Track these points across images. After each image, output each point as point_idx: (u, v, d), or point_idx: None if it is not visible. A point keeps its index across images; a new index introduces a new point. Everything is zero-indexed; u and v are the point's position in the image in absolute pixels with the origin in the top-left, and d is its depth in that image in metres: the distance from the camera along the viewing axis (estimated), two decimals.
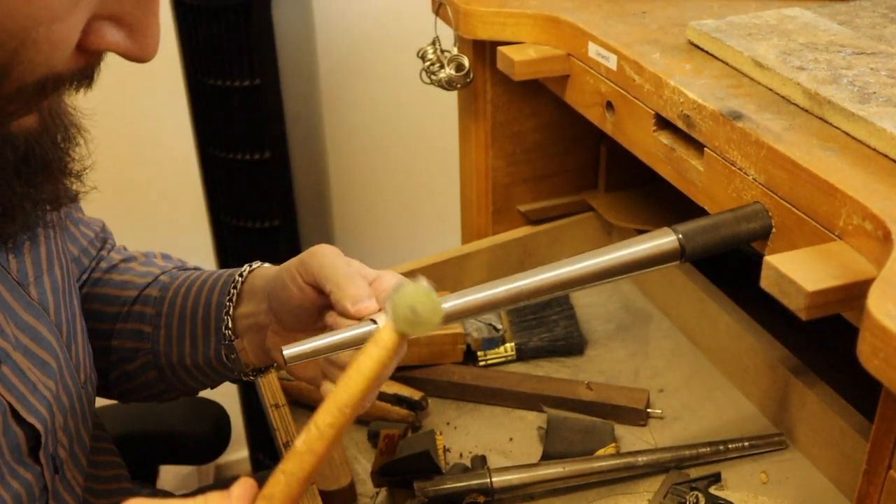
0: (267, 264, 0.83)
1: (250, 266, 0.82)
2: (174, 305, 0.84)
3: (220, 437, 1.20)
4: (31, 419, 0.67)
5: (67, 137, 0.60)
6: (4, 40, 0.46)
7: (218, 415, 1.20)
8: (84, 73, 0.53)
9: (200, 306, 0.83)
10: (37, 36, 0.46)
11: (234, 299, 0.80)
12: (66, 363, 0.73)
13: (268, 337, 0.78)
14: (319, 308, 0.72)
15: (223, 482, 0.61)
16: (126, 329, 0.86)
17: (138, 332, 0.86)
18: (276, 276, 0.75)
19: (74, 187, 0.62)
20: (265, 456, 1.86)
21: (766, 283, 0.58)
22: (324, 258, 0.70)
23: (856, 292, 0.56)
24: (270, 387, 0.95)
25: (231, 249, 1.90)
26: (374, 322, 0.64)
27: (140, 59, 0.52)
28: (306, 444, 0.50)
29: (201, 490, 0.95)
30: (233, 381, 0.89)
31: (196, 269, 0.91)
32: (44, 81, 0.49)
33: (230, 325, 0.80)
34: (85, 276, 0.89)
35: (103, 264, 0.90)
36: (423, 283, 0.48)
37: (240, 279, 0.81)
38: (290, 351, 0.64)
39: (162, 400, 0.90)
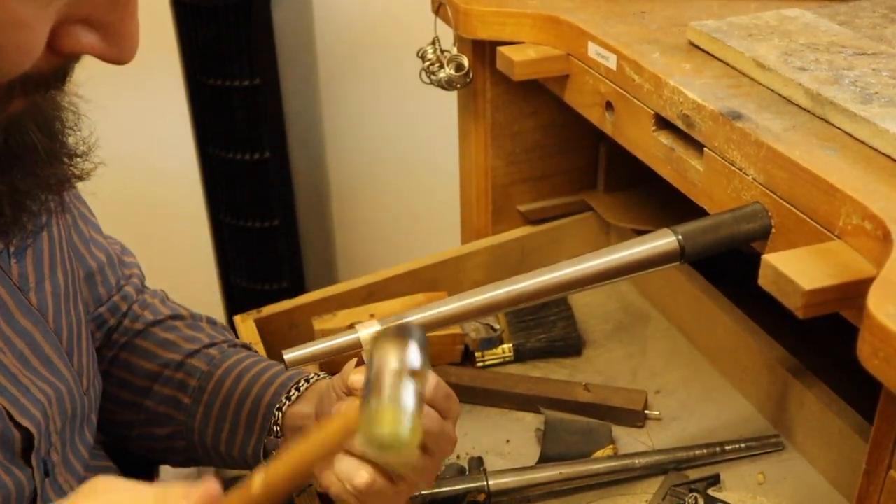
0: (325, 377, 0.82)
1: (317, 375, 0.81)
2: (221, 386, 0.83)
3: None
4: (24, 422, 0.66)
5: (58, 122, 0.59)
6: None
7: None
8: (56, 74, 0.52)
9: (249, 398, 0.81)
10: (4, 41, 0.45)
11: (292, 398, 0.79)
12: (66, 369, 0.72)
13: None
14: None
15: (232, 480, 0.62)
16: (164, 394, 0.85)
17: (176, 400, 0.84)
18: (328, 391, 0.74)
19: (75, 170, 0.61)
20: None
21: (763, 281, 0.58)
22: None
23: (854, 292, 0.56)
24: None
25: (231, 249, 1.90)
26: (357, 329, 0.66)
27: (117, 61, 0.51)
28: (262, 486, 0.51)
29: None
30: None
31: (246, 347, 0.90)
32: (11, 84, 0.48)
33: (280, 420, 0.79)
34: (114, 320, 0.87)
35: (147, 314, 0.88)
36: (410, 392, 0.47)
37: (305, 383, 0.80)
38: (290, 355, 0.67)
39: (179, 465, 0.90)
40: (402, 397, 0.47)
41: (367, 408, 0.47)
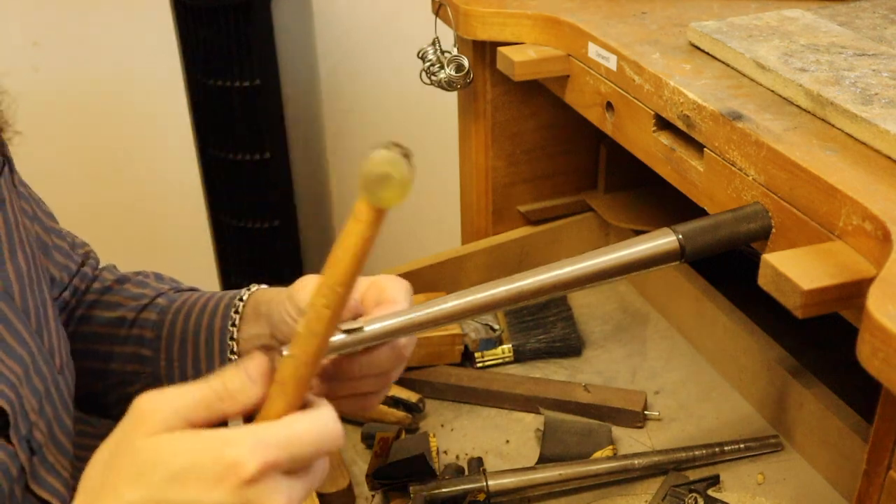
0: (265, 286, 0.83)
1: (248, 289, 0.82)
2: (174, 329, 0.84)
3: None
4: None
5: None
6: None
7: None
8: None
9: (203, 330, 0.83)
10: None
11: (236, 323, 0.80)
12: (38, 349, 0.72)
13: (276, 359, 0.77)
14: None
15: None
16: (125, 353, 0.86)
17: (138, 355, 0.86)
18: (277, 307, 0.74)
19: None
20: None
21: (763, 280, 0.58)
22: (306, 291, 0.70)
23: (853, 291, 0.56)
24: None
25: (231, 249, 1.90)
26: (345, 332, 0.65)
27: None
28: (306, 327, 0.52)
29: None
30: None
31: (192, 289, 0.91)
32: None
33: (235, 348, 0.80)
34: (73, 298, 0.88)
35: (96, 285, 0.90)
36: (390, 149, 0.47)
37: (240, 303, 0.81)
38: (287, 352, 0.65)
39: None
40: (396, 148, 0.47)
41: (369, 157, 0.47)
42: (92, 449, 0.82)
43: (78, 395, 0.85)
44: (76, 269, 0.89)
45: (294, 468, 0.50)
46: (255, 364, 0.53)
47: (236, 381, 0.53)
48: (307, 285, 0.72)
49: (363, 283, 0.71)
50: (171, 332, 0.84)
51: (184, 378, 0.84)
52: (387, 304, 0.68)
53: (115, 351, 0.86)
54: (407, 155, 0.47)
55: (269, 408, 0.53)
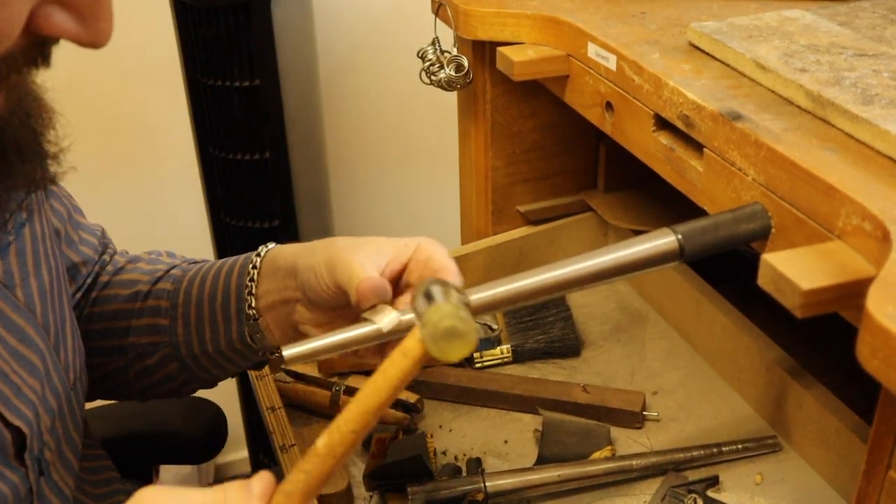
0: (279, 245, 0.83)
1: (266, 246, 0.83)
2: (190, 295, 0.84)
3: (216, 437, 1.19)
4: (16, 422, 0.66)
5: (39, 119, 0.58)
6: None
7: (214, 414, 1.19)
8: (39, 51, 0.52)
9: (219, 292, 0.83)
10: None
11: (255, 278, 0.80)
12: (53, 365, 0.72)
13: (296, 311, 0.77)
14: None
15: (231, 478, 0.62)
16: (141, 325, 0.86)
17: (154, 326, 0.86)
18: (306, 269, 0.74)
19: (52, 170, 0.61)
20: (265, 456, 1.86)
21: (763, 281, 0.58)
22: (347, 266, 0.70)
23: (852, 291, 0.56)
24: (267, 389, 0.95)
25: (231, 249, 1.90)
26: (373, 322, 0.65)
27: (92, 45, 0.51)
28: (328, 446, 0.52)
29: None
30: (256, 367, 0.90)
31: (205, 261, 0.91)
32: None
33: (253, 304, 0.80)
34: (90, 281, 0.88)
35: (109, 268, 0.90)
36: (458, 299, 0.48)
37: (258, 258, 0.81)
38: (289, 352, 0.65)
39: (182, 394, 0.90)
40: (456, 296, 0.49)
41: (427, 312, 0.48)
42: (93, 469, 0.82)
43: (98, 375, 0.86)
44: (97, 258, 0.90)
45: None
46: (260, 481, 0.53)
47: (237, 495, 0.52)
48: (349, 263, 0.69)
49: (408, 248, 0.71)
50: (186, 298, 0.84)
51: (202, 342, 0.84)
52: (436, 272, 0.68)
53: (133, 325, 0.86)
54: (468, 304, 0.48)
55: None
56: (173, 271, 0.88)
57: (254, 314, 0.80)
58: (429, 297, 0.52)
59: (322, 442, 0.52)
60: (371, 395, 0.51)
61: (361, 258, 0.69)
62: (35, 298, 0.72)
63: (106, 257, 0.91)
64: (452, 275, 0.68)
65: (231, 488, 0.53)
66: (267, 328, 0.80)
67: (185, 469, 1.90)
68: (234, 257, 0.85)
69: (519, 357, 1.05)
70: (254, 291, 0.80)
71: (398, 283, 0.72)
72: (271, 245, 0.83)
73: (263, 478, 0.53)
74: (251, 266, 0.81)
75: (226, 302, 0.82)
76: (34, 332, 0.70)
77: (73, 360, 0.76)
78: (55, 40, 0.52)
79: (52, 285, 0.75)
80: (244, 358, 0.85)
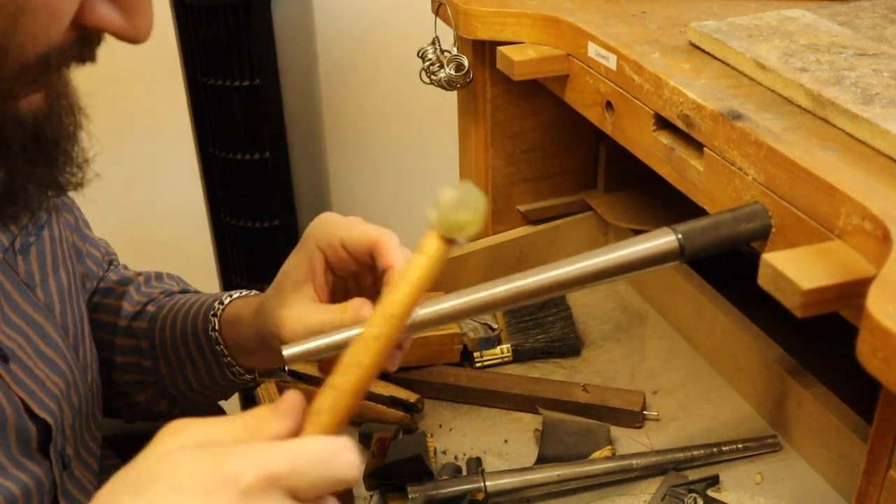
0: (245, 293, 0.84)
1: (230, 295, 0.83)
2: (164, 337, 0.85)
3: None
4: (43, 414, 0.67)
5: (74, 121, 0.59)
6: (2, 4, 0.46)
7: (215, 414, 1.20)
8: (85, 45, 0.53)
9: (188, 335, 0.83)
10: (33, 4, 0.46)
11: (217, 313, 0.81)
12: (73, 364, 0.73)
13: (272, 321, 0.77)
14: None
15: None
16: (126, 363, 0.87)
17: (138, 366, 0.87)
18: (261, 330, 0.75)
19: (77, 178, 0.61)
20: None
21: (763, 280, 0.58)
22: (275, 325, 0.71)
23: (852, 291, 0.56)
24: (267, 389, 0.95)
25: (231, 249, 1.90)
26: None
27: (134, 39, 0.52)
28: (352, 357, 0.50)
29: None
30: (247, 389, 0.91)
31: (182, 291, 0.91)
32: (46, 56, 0.49)
33: (225, 352, 0.82)
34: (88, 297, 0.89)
35: (101, 284, 0.90)
36: (462, 186, 0.47)
37: (220, 306, 0.82)
38: (289, 351, 0.65)
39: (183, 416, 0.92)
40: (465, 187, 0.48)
41: (444, 195, 0.48)
42: (109, 468, 0.83)
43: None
44: (102, 274, 0.90)
45: (298, 489, 0.48)
46: (287, 399, 0.52)
47: (264, 415, 0.51)
48: (279, 320, 0.70)
49: (364, 235, 0.70)
50: (162, 340, 0.85)
51: (187, 380, 0.85)
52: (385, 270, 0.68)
53: (118, 361, 0.87)
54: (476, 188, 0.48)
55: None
56: (149, 307, 0.88)
57: (223, 352, 0.81)
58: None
59: (347, 353, 0.49)
60: (392, 298, 0.49)
61: (286, 312, 0.70)
62: (54, 299, 0.73)
63: (111, 274, 0.91)
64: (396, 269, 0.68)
65: (258, 410, 0.52)
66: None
67: None
68: (203, 295, 0.86)
69: (519, 356, 1.05)
70: (220, 342, 0.81)
71: (372, 270, 0.72)
72: (236, 294, 0.83)
73: (290, 397, 0.51)
74: (211, 314, 0.82)
75: (198, 345, 0.83)
76: (54, 331, 0.71)
77: (90, 361, 0.77)
78: (100, 37, 0.53)
79: (69, 287, 0.75)
80: (235, 385, 0.85)
